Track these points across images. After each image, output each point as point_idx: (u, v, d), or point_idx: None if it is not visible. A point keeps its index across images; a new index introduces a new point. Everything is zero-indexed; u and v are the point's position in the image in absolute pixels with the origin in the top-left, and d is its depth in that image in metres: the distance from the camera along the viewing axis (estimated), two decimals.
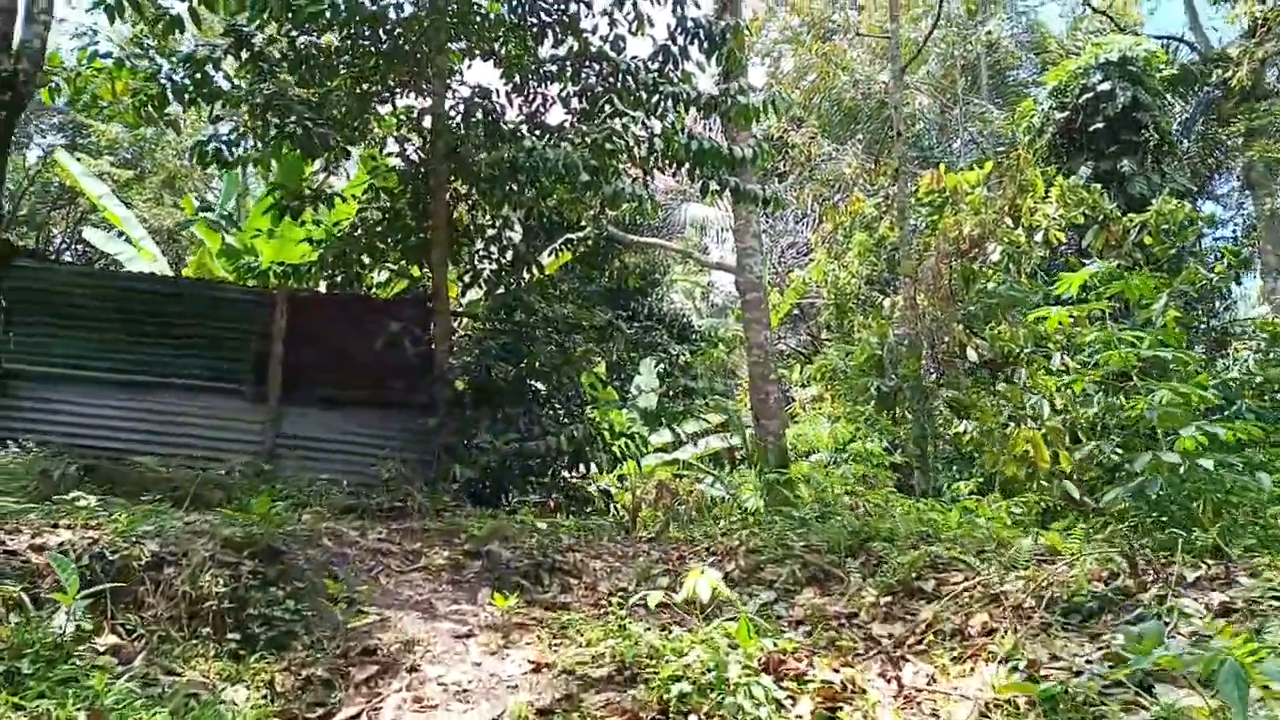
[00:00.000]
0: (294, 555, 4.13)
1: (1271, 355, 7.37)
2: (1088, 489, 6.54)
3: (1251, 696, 2.02)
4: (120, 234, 12.12)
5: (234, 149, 7.55)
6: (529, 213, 8.48)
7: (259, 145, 7.43)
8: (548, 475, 7.38)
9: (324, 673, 3.37)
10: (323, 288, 8.59)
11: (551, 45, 7.91)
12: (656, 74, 7.69)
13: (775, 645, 3.18)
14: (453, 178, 7.93)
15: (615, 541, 5.78)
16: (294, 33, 7.28)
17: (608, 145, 7.17)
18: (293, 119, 6.77)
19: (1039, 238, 9.72)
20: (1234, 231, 18.98)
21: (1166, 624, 2.94)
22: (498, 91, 8.09)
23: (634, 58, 7.74)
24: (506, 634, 3.79)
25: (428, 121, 7.96)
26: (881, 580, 4.19)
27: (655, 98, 7.66)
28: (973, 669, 3.07)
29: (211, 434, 7.38)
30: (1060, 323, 6.38)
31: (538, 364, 7.46)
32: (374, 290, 9.28)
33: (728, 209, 13.08)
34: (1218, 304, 15.84)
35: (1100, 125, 14.02)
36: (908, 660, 3.32)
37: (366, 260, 8.34)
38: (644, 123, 7.70)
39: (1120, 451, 5.39)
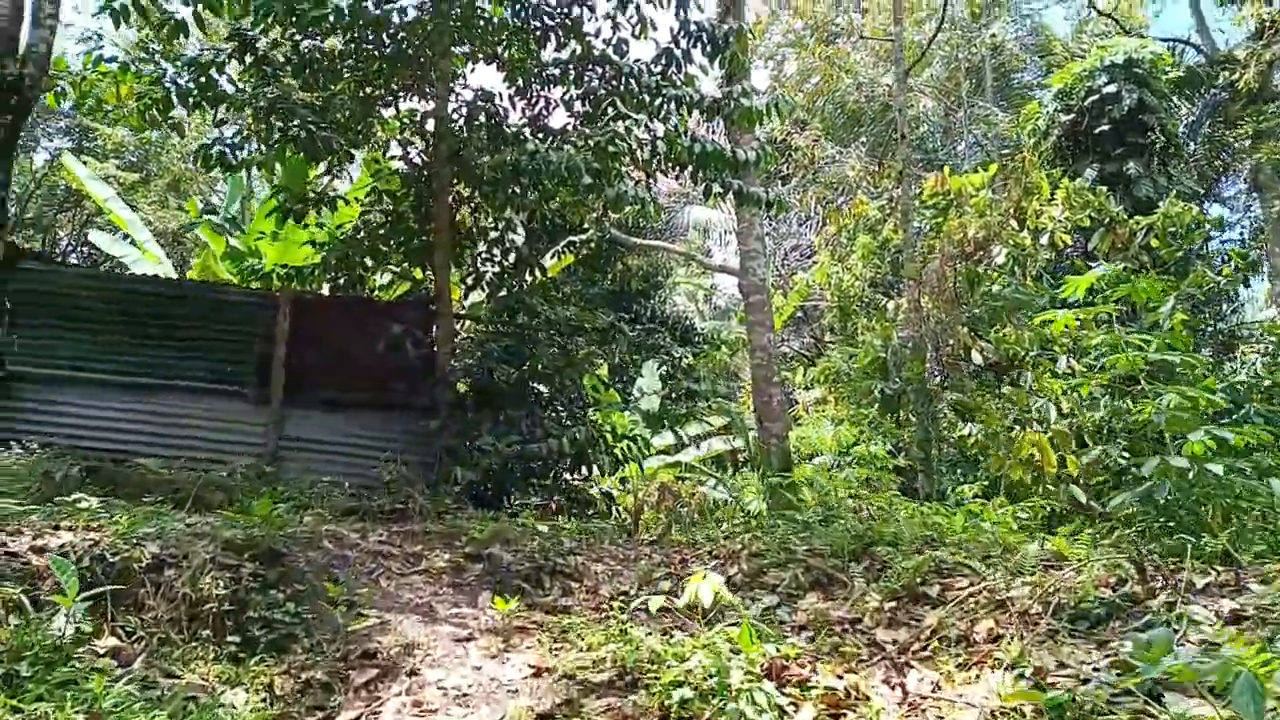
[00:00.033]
0: (294, 558, 4.12)
1: (1279, 359, 7.32)
2: (1094, 493, 6.50)
3: (1265, 707, 1.98)
4: (126, 236, 12.15)
5: (238, 152, 7.56)
6: (531, 215, 8.48)
7: (263, 148, 7.44)
8: (550, 478, 7.36)
9: (323, 676, 3.35)
10: (326, 290, 8.60)
11: (554, 49, 7.91)
12: (659, 77, 7.68)
13: (778, 651, 3.15)
14: (455, 181, 7.93)
15: (617, 544, 5.75)
16: (298, 37, 7.29)
17: (610, 148, 7.16)
18: (296, 122, 6.78)
19: (1044, 240, 9.69)
20: (1241, 234, 18.89)
21: (1176, 631, 2.90)
22: (500, 95, 8.09)
23: (637, 61, 7.73)
24: (507, 638, 3.77)
25: (431, 125, 7.96)
26: (885, 585, 4.15)
27: (658, 101, 7.65)
28: (978, 676, 3.03)
29: (214, 436, 7.38)
30: (1066, 326, 6.33)
31: (540, 366, 7.45)
32: (377, 293, 9.28)
33: (731, 212, 13.06)
34: (1225, 307, 15.77)
35: (1106, 128, 13.98)
36: (912, 667, 3.28)
37: (369, 263, 8.34)
38: (647, 126, 7.69)
39: (1127, 456, 5.35)
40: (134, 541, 3.80)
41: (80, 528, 4.04)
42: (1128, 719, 2.43)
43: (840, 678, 3.04)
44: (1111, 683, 2.61)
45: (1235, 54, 16.51)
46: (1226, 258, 11.38)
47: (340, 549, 4.66)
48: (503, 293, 8.21)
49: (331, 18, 6.96)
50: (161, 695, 2.99)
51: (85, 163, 13.78)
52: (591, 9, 7.77)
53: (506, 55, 8.00)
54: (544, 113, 8.28)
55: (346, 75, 7.72)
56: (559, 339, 7.68)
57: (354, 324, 7.87)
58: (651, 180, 8.47)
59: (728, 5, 9.41)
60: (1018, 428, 7.55)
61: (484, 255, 8.41)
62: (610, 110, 7.56)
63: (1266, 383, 6.91)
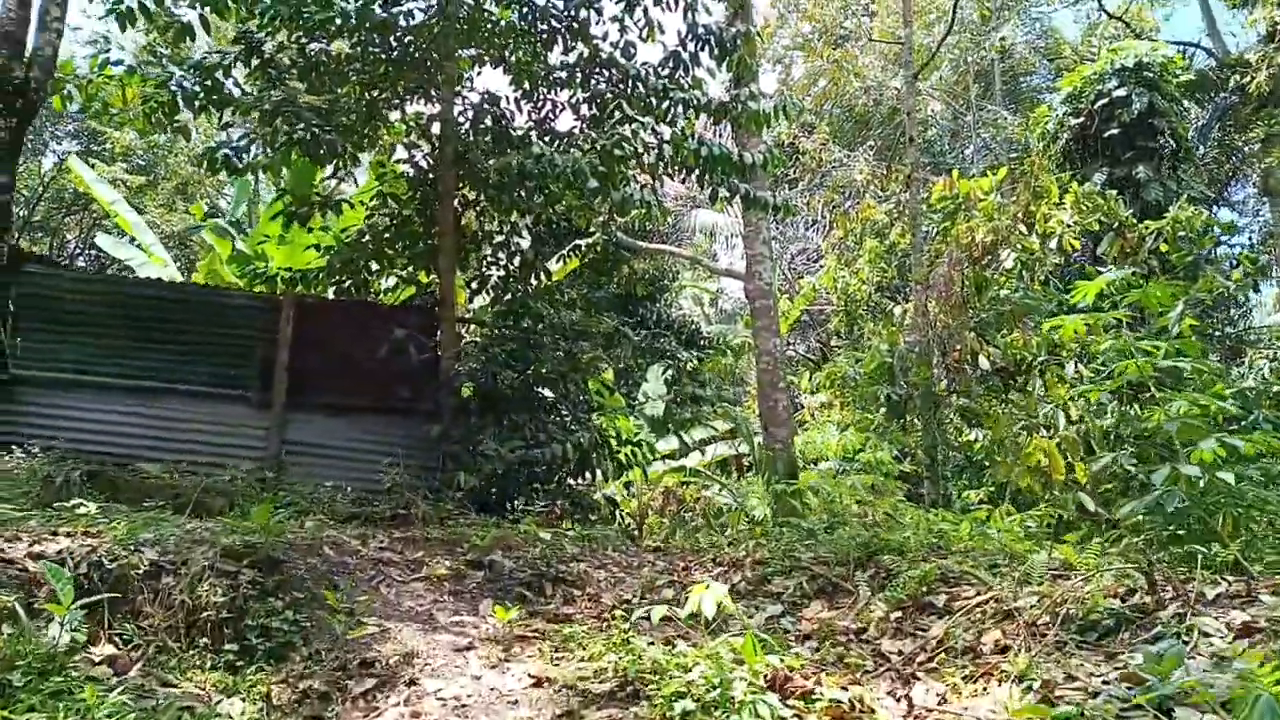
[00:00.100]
0: (294, 564, 4.09)
1: None
2: (1103, 501, 6.42)
3: None
4: (132, 240, 12.18)
5: (244, 155, 7.54)
6: (537, 219, 8.45)
7: (269, 152, 7.43)
8: (553, 482, 7.32)
9: (321, 685, 3.32)
10: (331, 294, 8.59)
11: (561, 52, 7.89)
12: (666, 80, 7.65)
13: (781, 662, 3.10)
14: (461, 184, 7.91)
15: (620, 551, 5.71)
16: (304, 40, 7.29)
17: (617, 151, 7.13)
18: (302, 126, 6.77)
19: (1053, 245, 9.61)
20: (1251, 238, 18.77)
21: (1186, 643, 2.84)
22: (507, 98, 8.08)
23: (644, 64, 7.71)
24: (507, 647, 3.73)
25: (436, 128, 7.95)
26: (891, 594, 4.10)
27: (665, 104, 7.62)
28: (985, 688, 2.98)
29: (217, 440, 7.37)
30: (1075, 331, 6.27)
31: (544, 370, 7.41)
32: (382, 296, 9.27)
33: (737, 215, 13.00)
34: (1234, 312, 15.64)
35: (1116, 131, 13.89)
36: (918, 678, 3.23)
37: (374, 266, 8.33)
38: (653, 129, 7.65)
39: (1136, 463, 5.28)
40: (132, 547, 3.77)
41: (78, 533, 4.02)
42: None
43: (845, 689, 2.99)
44: (1121, 696, 2.55)
45: (1246, 57, 16.41)
46: (1236, 262, 11.27)
47: (340, 555, 4.63)
48: (508, 296, 8.19)
49: (338, 21, 6.96)
50: (157, 705, 2.96)
51: (92, 166, 13.85)
52: (599, 11, 7.75)
53: (513, 58, 7.98)
54: (550, 116, 8.26)
55: (352, 78, 7.71)
56: (564, 343, 7.64)
57: (357, 328, 7.86)
58: (658, 184, 8.43)
59: (736, 8, 9.38)
60: (1025, 434, 7.48)
61: (489, 259, 8.39)
62: (617, 113, 7.52)
63: (1275, 389, 6.83)
